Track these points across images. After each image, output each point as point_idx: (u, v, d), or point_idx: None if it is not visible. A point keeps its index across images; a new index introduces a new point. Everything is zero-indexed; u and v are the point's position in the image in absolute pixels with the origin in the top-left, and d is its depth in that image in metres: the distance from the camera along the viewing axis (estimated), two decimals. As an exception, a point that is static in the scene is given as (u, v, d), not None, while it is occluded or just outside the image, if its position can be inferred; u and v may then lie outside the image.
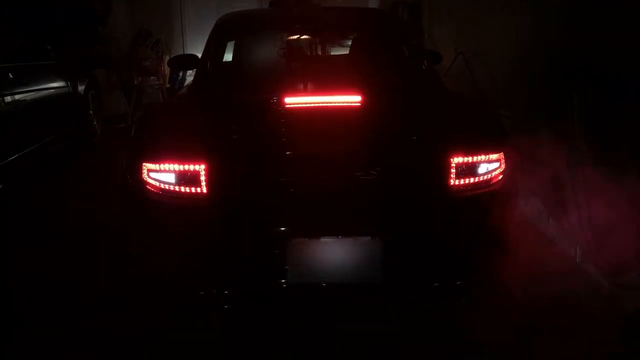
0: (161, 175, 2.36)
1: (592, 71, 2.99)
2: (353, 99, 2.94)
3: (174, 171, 2.34)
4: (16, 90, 4.63)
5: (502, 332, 2.60)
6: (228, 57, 3.68)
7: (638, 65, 2.63)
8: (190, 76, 8.50)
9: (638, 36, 2.63)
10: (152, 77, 8.41)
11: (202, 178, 2.31)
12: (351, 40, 3.87)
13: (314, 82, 3.18)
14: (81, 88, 6.12)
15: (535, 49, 3.77)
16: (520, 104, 4.01)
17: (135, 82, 8.29)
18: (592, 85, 3.01)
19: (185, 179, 2.33)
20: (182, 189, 2.34)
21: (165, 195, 2.36)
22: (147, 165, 2.38)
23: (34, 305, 2.92)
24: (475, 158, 2.38)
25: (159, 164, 2.35)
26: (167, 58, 8.12)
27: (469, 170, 2.38)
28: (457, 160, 2.35)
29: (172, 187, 2.35)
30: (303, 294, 2.42)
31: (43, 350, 2.55)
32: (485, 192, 2.42)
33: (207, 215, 2.32)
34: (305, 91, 3.09)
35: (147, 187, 2.39)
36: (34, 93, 4.97)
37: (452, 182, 2.36)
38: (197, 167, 2.32)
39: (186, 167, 2.33)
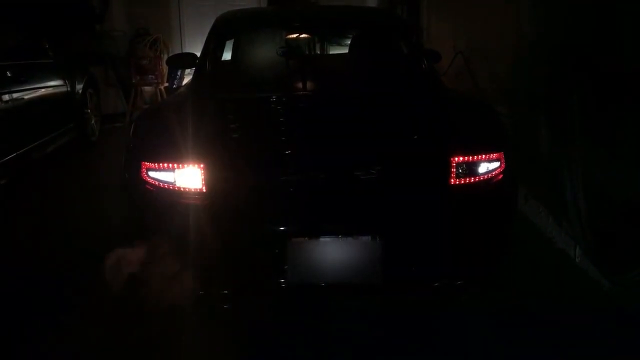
0: (160, 174, 2.35)
1: (593, 69, 2.98)
2: (353, 98, 2.94)
3: (173, 170, 2.33)
4: (13, 89, 4.61)
5: (501, 332, 2.60)
6: (227, 55, 3.67)
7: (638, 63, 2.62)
8: (188, 75, 8.47)
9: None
10: (150, 76, 8.39)
11: (201, 177, 2.31)
12: (350, 39, 3.87)
13: (313, 80, 3.17)
14: (79, 86, 6.10)
15: (536, 46, 3.76)
16: (520, 103, 4.00)
17: (134, 81, 8.27)
18: (593, 83, 3.00)
19: (184, 178, 2.32)
20: (181, 188, 2.33)
21: (164, 194, 2.35)
22: (146, 164, 2.37)
23: (33, 304, 2.91)
24: (475, 157, 2.37)
25: (158, 163, 2.35)
26: (165, 57, 8.11)
27: (469, 169, 2.38)
28: (457, 159, 2.35)
29: (171, 186, 2.34)
30: (302, 294, 2.41)
31: (43, 351, 2.54)
32: (485, 192, 2.41)
33: (206, 214, 2.31)
34: (304, 90, 3.08)
35: (146, 186, 2.38)
36: (31, 91, 4.95)
37: (452, 181, 2.35)
38: (195, 166, 2.31)
39: (185, 166, 2.32)
